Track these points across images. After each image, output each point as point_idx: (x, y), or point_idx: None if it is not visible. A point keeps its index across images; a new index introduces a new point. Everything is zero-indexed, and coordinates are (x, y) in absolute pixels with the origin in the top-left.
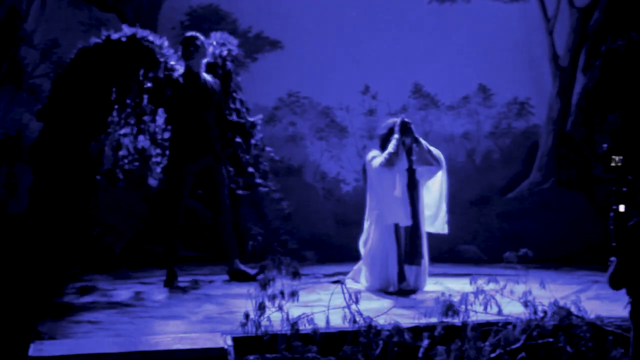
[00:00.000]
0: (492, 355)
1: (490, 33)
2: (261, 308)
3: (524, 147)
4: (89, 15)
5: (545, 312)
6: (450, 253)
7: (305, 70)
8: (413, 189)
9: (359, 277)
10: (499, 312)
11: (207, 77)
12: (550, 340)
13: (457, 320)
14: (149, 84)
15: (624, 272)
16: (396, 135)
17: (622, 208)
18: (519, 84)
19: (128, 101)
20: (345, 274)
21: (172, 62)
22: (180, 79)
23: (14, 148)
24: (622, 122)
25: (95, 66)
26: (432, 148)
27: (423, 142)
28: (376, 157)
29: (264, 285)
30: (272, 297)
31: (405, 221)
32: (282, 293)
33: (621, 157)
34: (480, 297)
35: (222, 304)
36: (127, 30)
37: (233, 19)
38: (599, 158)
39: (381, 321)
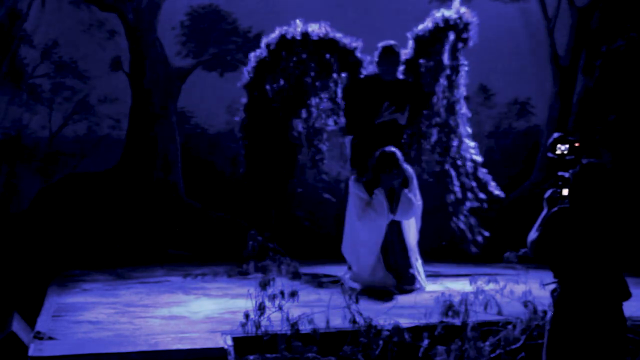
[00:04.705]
0: (492, 355)
1: (490, 33)
2: (261, 308)
3: (525, 147)
4: (89, 15)
5: (545, 312)
6: (450, 253)
7: None
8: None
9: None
10: (499, 312)
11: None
12: None
13: (457, 320)
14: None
15: (546, 247)
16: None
17: (565, 192)
18: (519, 84)
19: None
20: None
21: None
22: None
23: (14, 148)
24: (622, 122)
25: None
26: (417, 199)
27: (414, 187)
28: (359, 195)
29: (264, 285)
30: (272, 297)
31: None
32: (282, 293)
33: (567, 146)
34: (480, 297)
35: (222, 304)
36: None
37: (233, 19)
38: (548, 147)
39: (381, 321)
